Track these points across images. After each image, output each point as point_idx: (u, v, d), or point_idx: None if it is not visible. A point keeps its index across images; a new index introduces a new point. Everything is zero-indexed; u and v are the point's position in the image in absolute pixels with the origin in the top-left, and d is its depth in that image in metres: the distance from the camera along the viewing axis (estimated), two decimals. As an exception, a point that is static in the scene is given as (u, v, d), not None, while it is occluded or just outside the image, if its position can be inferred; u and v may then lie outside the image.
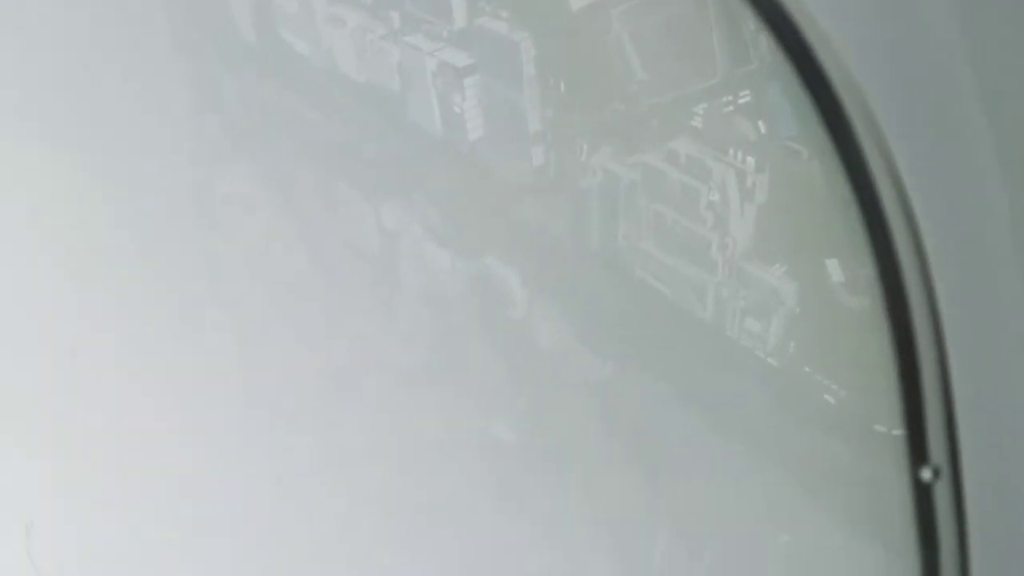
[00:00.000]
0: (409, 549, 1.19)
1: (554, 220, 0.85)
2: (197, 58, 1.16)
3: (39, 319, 1.54)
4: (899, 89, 0.57)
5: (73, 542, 1.75)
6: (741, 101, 0.67)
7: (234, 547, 1.39)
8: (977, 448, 0.61)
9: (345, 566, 1.28)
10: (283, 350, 1.21)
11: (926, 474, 0.62)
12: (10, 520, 1.89)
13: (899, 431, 0.66)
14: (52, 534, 1.80)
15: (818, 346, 0.71)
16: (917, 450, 0.63)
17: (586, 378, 0.88)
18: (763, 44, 0.64)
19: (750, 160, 0.68)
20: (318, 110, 1.02)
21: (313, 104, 1.02)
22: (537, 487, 1.01)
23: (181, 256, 1.28)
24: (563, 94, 0.79)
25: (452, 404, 1.05)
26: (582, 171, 0.80)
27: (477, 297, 0.96)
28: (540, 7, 0.79)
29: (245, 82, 1.12)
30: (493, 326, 0.97)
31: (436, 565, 1.17)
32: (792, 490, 0.78)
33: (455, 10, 0.83)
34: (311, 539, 1.30)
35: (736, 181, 0.69)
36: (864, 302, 0.66)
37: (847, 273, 0.66)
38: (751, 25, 0.65)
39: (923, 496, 0.63)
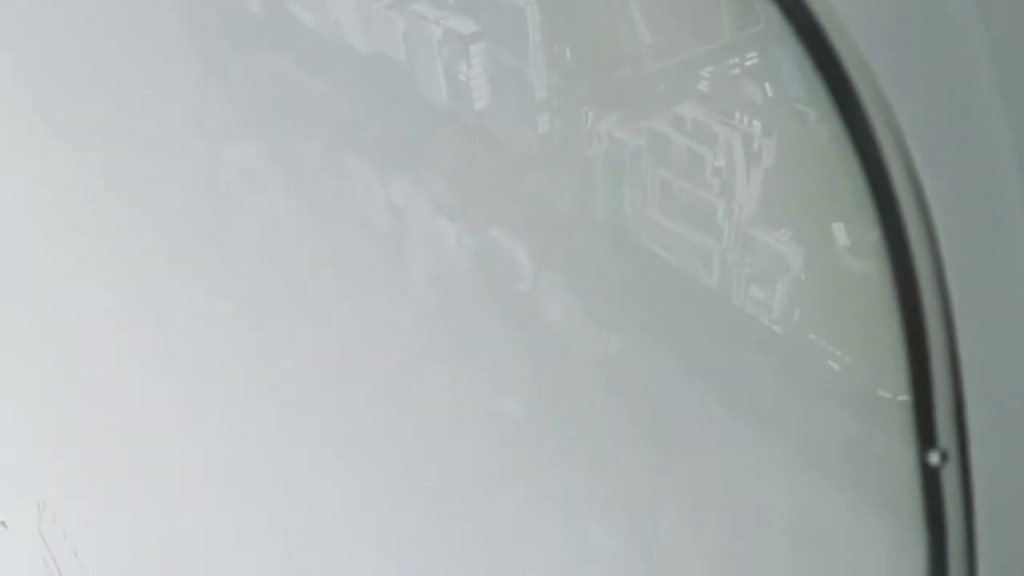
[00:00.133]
0: (419, 526, 1.19)
1: (559, 189, 0.85)
2: (203, 32, 1.16)
3: (46, 297, 1.55)
4: (904, 53, 0.56)
5: (83, 520, 1.76)
6: (748, 63, 0.67)
7: (242, 524, 1.40)
8: (986, 432, 0.60)
9: (355, 543, 1.29)
10: (291, 327, 1.21)
11: (934, 458, 0.62)
12: (23, 499, 1.91)
13: (904, 397, 0.66)
14: (63, 513, 1.82)
15: (824, 312, 0.70)
16: (925, 434, 0.62)
17: (593, 349, 0.88)
18: (770, 5, 0.64)
19: (756, 124, 0.67)
20: (325, 82, 1.02)
21: (320, 76, 1.02)
22: (544, 460, 1.00)
23: (189, 233, 1.28)
24: (569, 60, 0.79)
25: (459, 378, 1.05)
26: (588, 138, 0.79)
27: (483, 270, 0.96)
28: (546, -27, 0.78)
29: (251, 56, 1.11)
30: (500, 299, 0.97)
31: (446, 541, 1.17)
32: (799, 461, 0.77)
33: (461, -23, 0.83)
34: (319, 517, 1.30)
35: (742, 145, 0.68)
36: (870, 266, 0.65)
37: (853, 237, 0.65)
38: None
39: (931, 480, 0.63)
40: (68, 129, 1.38)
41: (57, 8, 1.25)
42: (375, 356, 1.13)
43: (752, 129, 0.68)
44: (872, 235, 0.65)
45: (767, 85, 0.66)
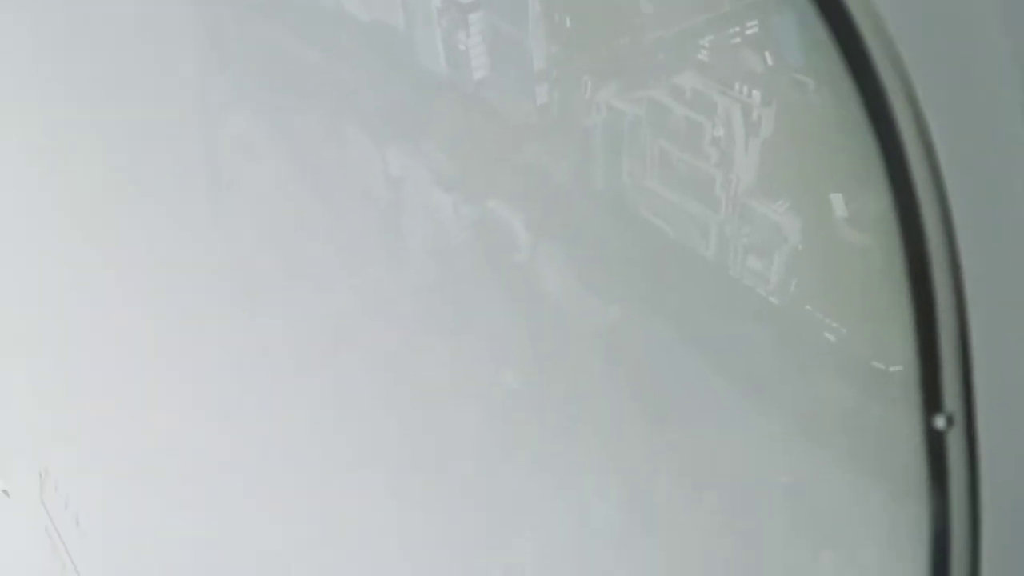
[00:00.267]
0: (417, 498, 1.20)
1: (558, 160, 0.84)
2: (201, 1, 1.15)
3: (47, 264, 1.55)
4: (919, 13, 0.55)
5: (85, 489, 1.77)
6: (748, 32, 0.66)
7: (242, 493, 1.41)
8: (993, 395, 0.59)
9: (352, 515, 1.30)
10: (288, 297, 1.21)
11: (939, 422, 0.60)
12: (25, 468, 1.92)
13: (900, 368, 0.66)
14: (65, 482, 1.83)
15: (821, 283, 0.70)
16: (930, 396, 0.61)
17: (590, 320, 0.88)
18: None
19: (756, 93, 0.67)
20: (323, 51, 1.01)
21: (318, 45, 1.01)
22: (542, 431, 1.01)
23: (187, 201, 1.28)
24: (568, 30, 0.78)
25: (456, 349, 1.05)
26: (587, 109, 0.79)
27: (481, 241, 0.95)
28: (545, -60, 0.78)
29: (249, 25, 1.11)
30: (497, 270, 0.97)
31: (445, 513, 1.18)
32: (796, 431, 0.77)
33: (460, -55, 0.82)
34: (317, 487, 1.31)
35: (741, 115, 0.68)
36: (867, 238, 0.65)
37: (851, 208, 0.65)
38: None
39: (935, 445, 0.62)
40: (65, 100, 1.37)
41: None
42: (372, 327, 1.13)
43: (751, 99, 0.67)
44: (870, 206, 0.65)
45: (767, 54, 0.66)
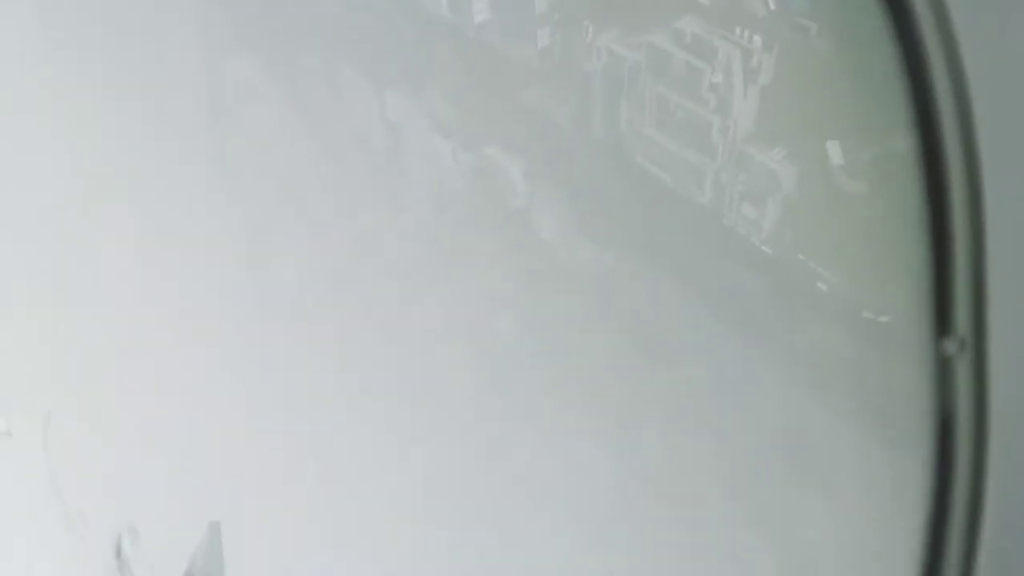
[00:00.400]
0: (408, 442, 1.21)
1: (557, 105, 0.84)
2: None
3: (49, 212, 1.55)
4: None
5: (85, 435, 1.79)
6: (750, -25, 0.65)
7: (246, 437, 1.42)
8: (1007, 319, 0.54)
9: (341, 460, 1.31)
10: (286, 239, 1.21)
11: (950, 347, 0.56)
12: (29, 411, 1.94)
13: (887, 318, 0.66)
14: (68, 427, 1.84)
15: (816, 232, 0.70)
16: (941, 319, 0.57)
17: (586, 266, 0.88)
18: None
19: (757, 38, 0.67)
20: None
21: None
22: (536, 376, 1.02)
23: (186, 143, 1.27)
24: (570, -28, 0.78)
25: (453, 294, 1.06)
26: (587, 53, 0.78)
27: (479, 187, 0.95)
28: None
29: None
30: (495, 216, 0.97)
31: (436, 458, 1.19)
32: (789, 377, 0.78)
33: None
34: (309, 430, 1.32)
35: (741, 60, 0.68)
36: (863, 186, 0.65)
37: (848, 156, 0.65)
38: None
39: (942, 373, 0.58)
40: (67, 41, 1.36)
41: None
42: (368, 271, 1.13)
43: (752, 44, 0.67)
44: (865, 154, 0.65)
45: (769, -3, 0.65)
